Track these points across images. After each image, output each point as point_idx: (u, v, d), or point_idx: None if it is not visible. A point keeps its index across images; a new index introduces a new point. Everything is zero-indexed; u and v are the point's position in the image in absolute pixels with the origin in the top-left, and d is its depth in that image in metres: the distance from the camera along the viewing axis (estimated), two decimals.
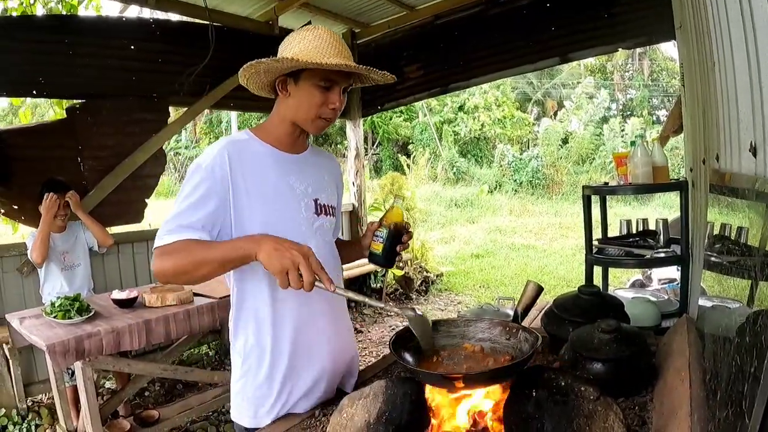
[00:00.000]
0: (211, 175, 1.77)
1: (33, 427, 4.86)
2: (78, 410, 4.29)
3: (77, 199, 4.76)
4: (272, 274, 1.60)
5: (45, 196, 4.55)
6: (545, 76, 26.23)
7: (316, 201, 1.99)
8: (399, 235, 1.98)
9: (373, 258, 2.01)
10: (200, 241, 1.72)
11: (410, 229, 2.04)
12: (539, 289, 1.97)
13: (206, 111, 18.72)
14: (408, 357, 1.70)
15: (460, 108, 23.09)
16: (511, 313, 2.08)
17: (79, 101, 5.65)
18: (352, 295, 1.70)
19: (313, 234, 1.96)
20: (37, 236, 4.51)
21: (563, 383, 1.46)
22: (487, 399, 1.60)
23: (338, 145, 25.35)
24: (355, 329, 7.37)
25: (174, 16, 6.47)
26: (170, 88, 5.98)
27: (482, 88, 22.73)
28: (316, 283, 1.59)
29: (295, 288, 1.57)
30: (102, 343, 3.58)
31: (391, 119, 22.90)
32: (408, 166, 19.72)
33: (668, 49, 25.49)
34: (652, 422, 1.64)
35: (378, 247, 1.98)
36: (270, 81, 1.89)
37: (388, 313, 8.36)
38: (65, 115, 5.63)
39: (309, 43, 1.79)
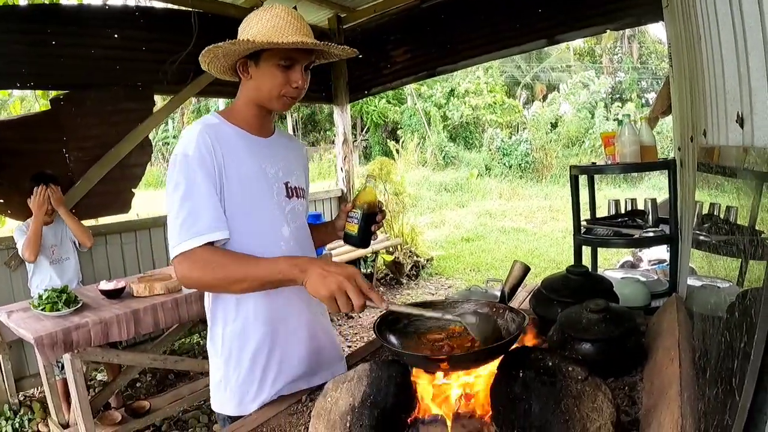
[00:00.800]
0: (202, 160, 1.74)
1: (25, 422, 4.84)
2: (69, 403, 4.27)
3: (60, 195, 4.68)
4: (320, 301, 1.57)
5: (35, 191, 4.50)
6: (533, 60, 26.20)
7: (286, 184, 1.97)
8: (373, 215, 1.98)
9: (348, 239, 2.00)
10: (235, 254, 1.71)
11: (383, 208, 2.03)
12: (526, 269, 1.95)
13: (194, 100, 18.64)
14: (393, 339, 1.69)
15: (451, 93, 23.02)
16: (499, 294, 2.06)
17: (63, 92, 5.59)
18: (408, 309, 1.69)
19: (285, 218, 1.94)
20: (30, 233, 4.45)
21: (551, 363, 1.45)
22: (473, 380, 1.58)
23: (327, 132, 25.33)
24: (347, 315, 7.37)
25: (157, 4, 6.41)
26: (155, 76, 5.93)
27: (474, 73, 22.70)
28: (368, 303, 1.56)
29: (345, 312, 1.55)
30: (90, 334, 3.56)
31: (376, 104, 22.78)
32: (397, 151, 19.71)
33: (657, 31, 25.53)
34: (642, 402, 1.63)
35: (353, 228, 1.97)
36: (231, 64, 1.87)
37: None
38: (50, 107, 5.57)
39: (267, 22, 1.76)
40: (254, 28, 1.77)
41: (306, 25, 1.83)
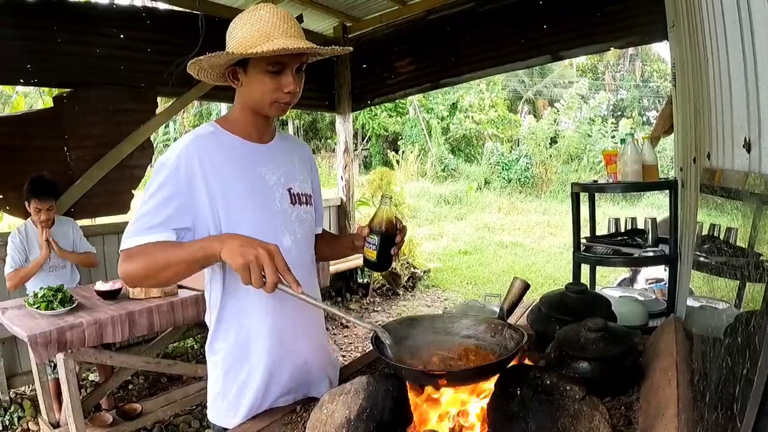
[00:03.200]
0: (175, 173, 1.71)
1: (15, 419, 4.83)
2: (60, 403, 4.24)
3: (57, 248, 4.60)
4: (234, 270, 1.54)
5: (40, 231, 4.49)
6: (536, 75, 26.27)
7: (290, 190, 1.94)
8: (391, 238, 1.88)
9: (368, 264, 1.93)
10: (163, 243, 1.67)
11: (402, 227, 1.92)
12: (526, 286, 1.94)
13: (196, 103, 18.64)
14: (390, 353, 1.68)
15: (453, 106, 23.04)
16: (497, 310, 2.05)
17: (66, 90, 5.59)
18: (317, 303, 1.68)
19: (291, 226, 1.91)
20: (26, 271, 4.44)
21: (548, 382, 1.44)
22: (470, 397, 1.57)
23: (328, 140, 25.34)
24: (342, 325, 7.36)
25: (164, 5, 6.42)
26: (159, 78, 5.93)
27: (477, 87, 22.72)
28: (280, 286, 1.55)
29: (255, 287, 1.53)
30: (84, 334, 3.55)
31: (377, 115, 22.78)
32: (397, 161, 19.73)
33: (660, 50, 25.61)
34: (639, 422, 1.62)
35: (372, 254, 1.88)
36: (220, 73, 1.84)
37: (375, 309, 8.37)
38: (52, 104, 5.57)
39: (250, 27, 1.72)
40: (238, 34, 1.73)
41: (293, 25, 1.78)
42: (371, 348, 1.70)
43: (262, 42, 1.69)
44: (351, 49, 1.89)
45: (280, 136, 2.06)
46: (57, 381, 4.26)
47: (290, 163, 2.00)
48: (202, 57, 1.71)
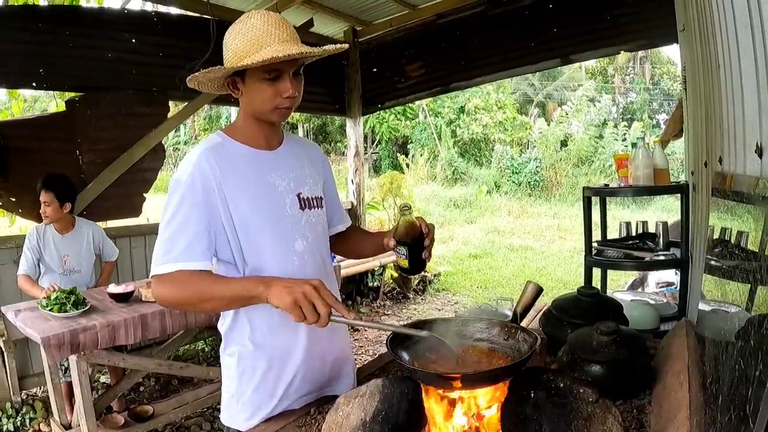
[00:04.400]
0: (191, 189, 1.73)
1: (27, 421, 4.85)
2: (72, 404, 4.27)
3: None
4: (285, 311, 1.57)
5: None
6: (546, 78, 26.25)
7: (299, 195, 1.94)
8: (418, 244, 1.86)
9: (402, 270, 1.92)
10: (203, 274, 1.71)
11: (428, 229, 1.88)
12: (539, 290, 1.95)
13: (206, 106, 18.70)
14: (405, 355, 1.69)
15: (461, 110, 23.03)
16: (509, 313, 2.07)
17: (79, 94, 5.64)
18: (371, 325, 1.69)
19: (302, 230, 1.91)
20: (27, 287, 4.45)
21: (562, 385, 1.45)
22: (484, 399, 1.58)
23: (338, 143, 25.36)
24: (351, 328, 7.36)
25: (176, 10, 6.46)
26: (170, 82, 5.94)
27: (485, 89, 22.68)
28: (333, 316, 1.57)
29: (309, 323, 1.55)
30: (97, 336, 3.57)
31: (386, 119, 22.76)
32: (407, 165, 19.72)
33: (670, 52, 25.55)
34: (651, 425, 1.63)
35: (404, 262, 1.88)
36: (221, 84, 1.86)
37: (385, 313, 8.38)
38: (65, 108, 5.61)
39: (243, 37, 1.72)
40: (232, 45, 1.74)
41: (287, 30, 1.77)
42: (384, 351, 1.70)
43: (255, 51, 1.70)
44: (346, 46, 1.87)
45: (289, 140, 2.06)
46: (69, 383, 4.28)
47: (300, 168, 2.00)
48: (197, 73, 1.74)
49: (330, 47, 1.80)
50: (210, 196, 1.75)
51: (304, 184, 1.98)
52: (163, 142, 6.41)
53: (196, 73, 1.73)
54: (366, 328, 7.43)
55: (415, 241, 1.85)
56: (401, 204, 1.87)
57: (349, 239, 2.28)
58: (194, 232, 1.72)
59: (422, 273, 9.28)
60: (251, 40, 1.71)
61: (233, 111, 19.97)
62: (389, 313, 8.41)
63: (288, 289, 1.56)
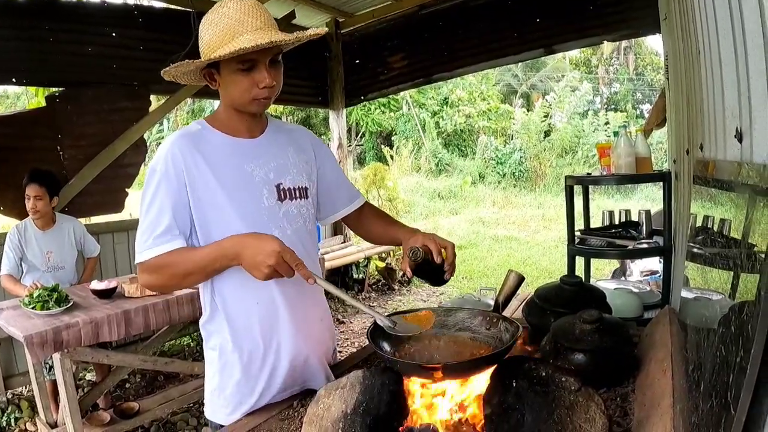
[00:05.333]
0: (165, 175, 1.72)
1: (13, 420, 4.82)
2: (57, 403, 4.24)
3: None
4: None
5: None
6: (530, 69, 26.28)
7: (278, 186, 1.89)
8: (437, 270, 1.80)
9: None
10: (179, 251, 1.72)
11: (447, 254, 1.81)
12: (520, 279, 1.94)
13: (189, 100, 18.60)
14: (386, 347, 1.68)
15: (444, 101, 23.02)
16: (492, 303, 2.06)
17: (59, 89, 5.58)
18: (334, 290, 1.71)
19: (279, 222, 1.88)
20: (9, 287, 4.40)
21: (544, 373, 1.45)
22: (466, 389, 1.58)
23: (322, 136, 25.29)
24: (337, 320, 7.36)
25: (157, 3, 6.40)
26: (152, 76, 5.85)
27: (467, 79, 22.68)
28: (317, 280, 1.68)
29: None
30: (81, 333, 3.54)
31: (371, 111, 22.72)
32: (391, 157, 19.73)
33: (653, 43, 25.67)
34: (634, 413, 1.63)
35: (428, 279, 1.87)
36: (197, 77, 1.83)
37: (370, 305, 8.37)
38: (45, 104, 5.56)
39: (215, 27, 1.69)
40: (206, 36, 1.71)
41: (261, 17, 1.72)
42: (367, 343, 1.70)
43: (228, 41, 1.66)
44: (323, 31, 1.81)
45: (274, 128, 2.01)
46: (54, 382, 4.25)
47: (282, 157, 1.95)
48: (169, 67, 1.71)
49: (305, 33, 1.75)
50: (180, 182, 1.74)
51: (286, 174, 1.94)
52: (145, 136, 6.36)
53: (168, 68, 1.71)
54: (346, 310, 7.44)
55: (434, 270, 1.81)
56: (411, 249, 1.79)
57: (364, 223, 2.25)
58: (170, 218, 1.72)
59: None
60: (223, 30, 1.67)
61: (216, 104, 19.87)
62: (374, 304, 8.40)
63: (258, 268, 1.63)
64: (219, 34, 1.67)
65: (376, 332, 1.69)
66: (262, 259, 1.61)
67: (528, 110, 23.44)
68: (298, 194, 1.96)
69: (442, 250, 1.80)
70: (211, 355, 1.93)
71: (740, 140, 1.22)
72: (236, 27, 1.67)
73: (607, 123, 20.66)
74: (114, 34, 5.80)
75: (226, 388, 1.89)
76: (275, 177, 1.90)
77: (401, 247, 1.97)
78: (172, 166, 1.73)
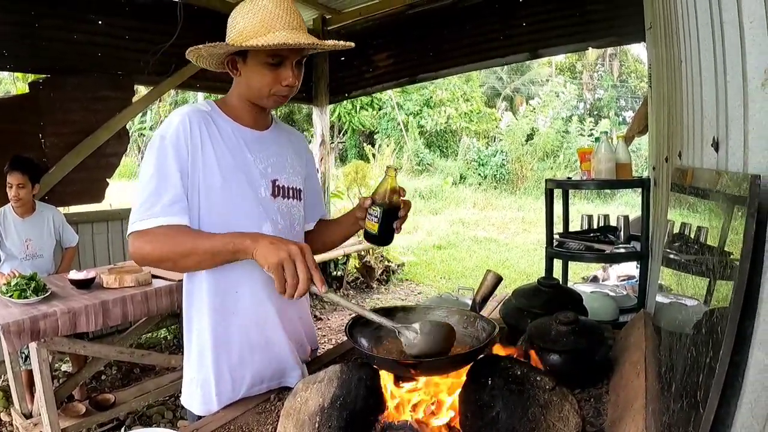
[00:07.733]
0: (176, 144, 1.72)
1: None
2: (33, 393, 4.20)
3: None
4: (267, 270, 1.55)
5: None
6: (515, 72, 26.37)
7: (274, 182, 1.91)
8: (394, 210, 1.86)
9: (369, 238, 1.90)
10: (184, 228, 1.69)
11: (406, 201, 1.91)
12: (498, 279, 1.95)
13: (172, 92, 18.49)
14: (364, 342, 1.69)
15: (426, 103, 23.04)
16: (470, 302, 2.08)
17: (43, 76, 5.53)
18: (346, 303, 1.67)
19: (273, 215, 1.89)
20: None
21: (519, 372, 1.47)
22: (442, 386, 1.59)
23: (305, 132, 25.21)
24: (315, 317, 7.36)
25: None
26: (136, 66, 5.89)
27: (451, 81, 22.71)
28: (311, 287, 1.56)
29: (290, 287, 1.53)
30: (58, 323, 3.53)
31: (357, 111, 22.71)
32: (373, 155, 19.72)
33: (638, 51, 25.82)
34: (608, 413, 1.65)
35: (373, 227, 1.85)
36: (220, 62, 1.84)
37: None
38: (28, 90, 5.51)
39: (252, 17, 1.70)
40: (240, 23, 1.72)
41: (296, 17, 1.76)
42: (345, 339, 1.71)
43: (263, 33, 1.68)
44: (353, 44, 1.85)
45: (277, 126, 2.05)
46: (29, 372, 4.22)
47: (281, 155, 1.98)
48: (200, 46, 1.70)
49: (338, 42, 1.80)
50: (188, 155, 1.73)
51: (282, 172, 1.96)
52: (127, 126, 6.33)
53: (199, 46, 1.70)
54: (324, 307, 7.45)
55: (391, 206, 1.85)
56: (388, 165, 1.85)
57: (321, 230, 2.26)
58: (177, 190, 1.70)
59: (386, 263, 9.32)
60: (261, 21, 1.69)
61: (200, 96, 19.76)
62: (352, 302, 8.40)
63: (275, 247, 1.54)
64: (256, 25, 1.69)
65: (354, 327, 1.70)
66: (283, 244, 1.55)
67: (514, 114, 23.53)
68: (291, 194, 1.99)
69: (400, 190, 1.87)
70: (190, 344, 1.92)
71: (716, 149, 1.25)
72: (273, 22, 1.69)
73: (593, 129, 20.77)
74: (100, 23, 5.76)
75: (202, 379, 1.89)
76: (272, 172, 1.92)
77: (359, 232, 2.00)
78: (183, 135, 1.72)
